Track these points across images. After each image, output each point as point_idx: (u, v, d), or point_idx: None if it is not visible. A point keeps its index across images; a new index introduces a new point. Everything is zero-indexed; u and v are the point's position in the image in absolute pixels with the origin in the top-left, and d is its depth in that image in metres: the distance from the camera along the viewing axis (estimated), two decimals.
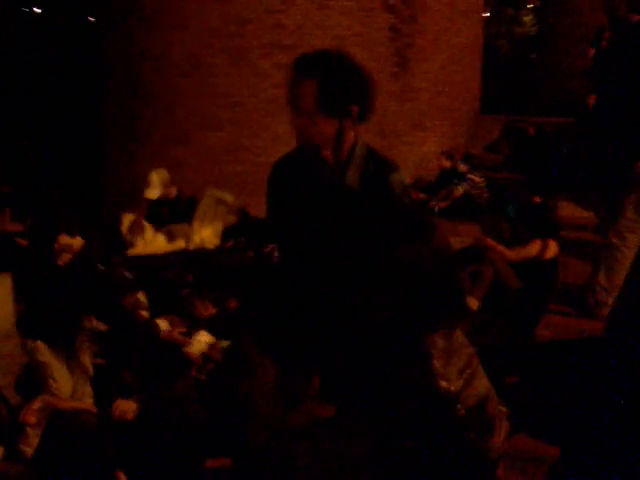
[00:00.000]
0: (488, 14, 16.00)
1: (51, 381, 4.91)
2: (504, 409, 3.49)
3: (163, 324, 5.29)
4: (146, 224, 7.74)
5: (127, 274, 6.41)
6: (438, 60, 11.17)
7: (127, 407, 4.46)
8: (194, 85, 10.19)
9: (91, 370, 5.20)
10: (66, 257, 6.23)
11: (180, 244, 7.47)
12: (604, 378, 4.02)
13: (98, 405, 4.63)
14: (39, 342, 5.06)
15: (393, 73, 10.73)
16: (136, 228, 7.65)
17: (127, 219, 7.96)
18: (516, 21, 18.64)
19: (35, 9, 18.61)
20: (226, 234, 7.54)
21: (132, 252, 7.23)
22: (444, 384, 3.31)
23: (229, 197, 7.44)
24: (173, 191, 8.96)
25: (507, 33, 18.17)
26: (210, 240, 7.37)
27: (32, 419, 4.42)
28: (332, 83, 3.19)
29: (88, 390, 5.11)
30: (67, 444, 4.07)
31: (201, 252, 7.14)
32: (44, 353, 5.03)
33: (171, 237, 7.67)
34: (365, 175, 3.28)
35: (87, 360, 5.16)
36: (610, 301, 5.62)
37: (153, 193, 8.78)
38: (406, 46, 10.90)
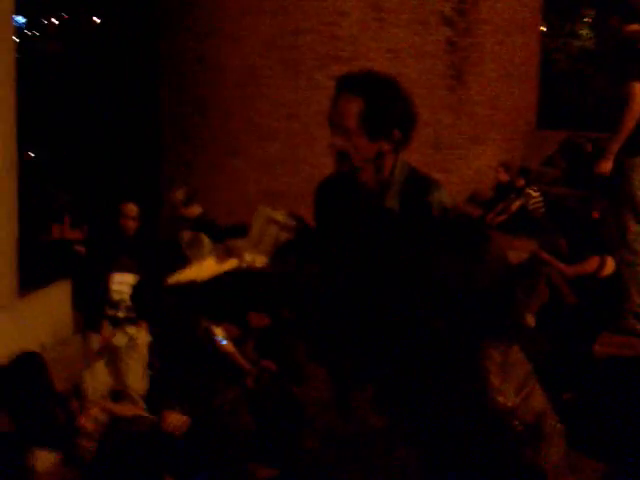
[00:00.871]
0: (545, 28, 15.87)
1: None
2: (560, 426, 3.45)
3: (219, 332, 5.31)
4: (205, 238, 7.79)
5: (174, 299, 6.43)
6: (494, 74, 11.11)
7: (179, 422, 4.49)
8: (249, 96, 10.26)
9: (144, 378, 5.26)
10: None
11: (233, 262, 7.45)
12: None
13: (151, 412, 4.67)
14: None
15: (449, 86, 10.70)
16: (195, 243, 7.68)
17: (187, 235, 8.00)
18: (573, 35, 18.47)
19: (95, 18, 18.91)
20: (278, 253, 7.47)
21: (173, 279, 7.24)
22: (501, 399, 3.29)
23: (281, 216, 7.45)
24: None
25: (564, 47, 18.00)
26: (260, 259, 7.35)
27: (89, 425, 4.47)
28: (379, 104, 3.17)
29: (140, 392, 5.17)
30: (123, 450, 4.11)
31: (249, 272, 7.10)
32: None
33: (228, 253, 7.64)
34: (405, 197, 3.25)
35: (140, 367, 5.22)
36: None
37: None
38: (462, 59, 10.86)
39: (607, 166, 5.62)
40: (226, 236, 7.58)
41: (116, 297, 5.97)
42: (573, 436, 3.54)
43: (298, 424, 4.10)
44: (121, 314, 5.97)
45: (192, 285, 6.24)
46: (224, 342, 5.32)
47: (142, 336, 5.51)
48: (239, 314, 5.80)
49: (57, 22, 19.60)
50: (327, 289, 3.50)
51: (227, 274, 6.42)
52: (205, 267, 7.03)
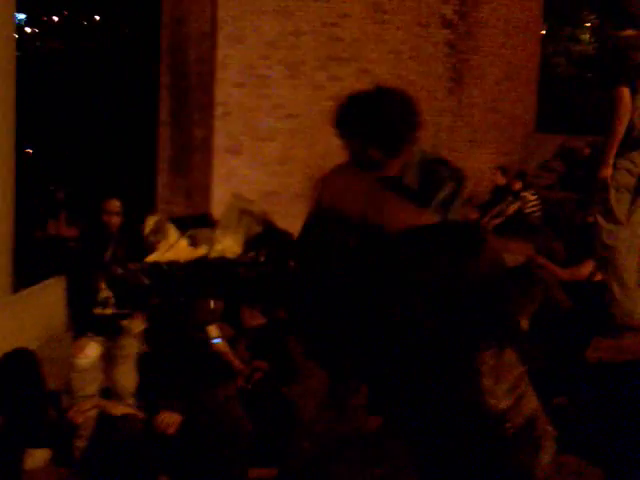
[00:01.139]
0: (545, 32, 15.89)
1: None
2: (552, 430, 3.45)
3: (214, 331, 5.30)
4: (170, 227, 7.76)
5: (145, 280, 6.44)
6: (493, 77, 11.13)
7: (171, 420, 4.48)
8: (249, 96, 10.27)
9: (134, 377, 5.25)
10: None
11: (202, 251, 7.44)
12: None
13: (144, 411, 4.65)
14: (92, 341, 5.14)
15: (448, 88, 10.71)
16: (160, 230, 7.66)
17: (151, 220, 7.97)
18: (574, 39, 18.49)
19: (96, 17, 18.91)
20: (249, 245, 7.46)
21: (151, 258, 7.23)
22: (493, 402, 3.28)
23: (255, 207, 7.44)
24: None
25: (565, 51, 18.02)
26: (231, 249, 7.34)
27: (79, 419, 4.46)
28: (390, 129, 3.19)
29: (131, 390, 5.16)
30: (113, 449, 4.11)
31: (221, 262, 7.09)
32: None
33: (194, 242, 7.65)
34: (422, 175, 3.28)
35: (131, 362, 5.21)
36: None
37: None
38: (462, 62, 10.88)
39: (607, 172, 5.65)
40: (189, 226, 7.59)
41: (103, 295, 5.95)
42: (564, 440, 3.53)
43: (291, 424, 4.10)
44: (109, 312, 5.95)
45: (173, 265, 6.26)
46: (217, 341, 5.30)
47: (136, 326, 5.51)
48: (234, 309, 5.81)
49: (57, 19, 19.59)
50: (323, 288, 3.50)
51: (195, 265, 6.45)
52: (181, 250, 7.04)
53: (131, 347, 5.28)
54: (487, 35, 11.08)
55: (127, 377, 5.45)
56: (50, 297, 6.44)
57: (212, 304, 5.87)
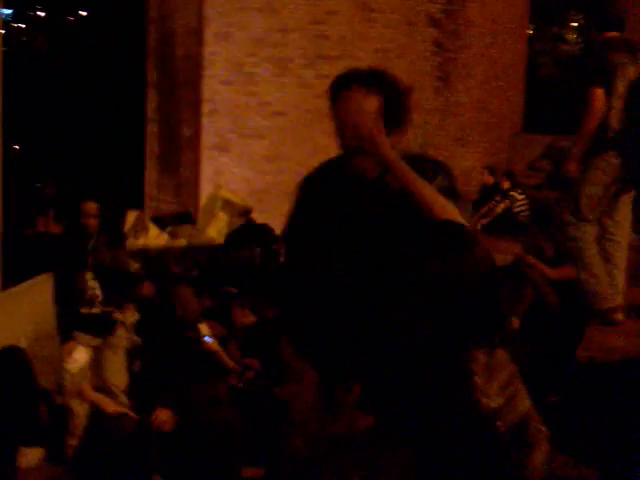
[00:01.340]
0: (531, 32, 15.93)
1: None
2: (544, 429, 3.46)
3: (205, 330, 5.30)
4: (150, 224, 7.75)
5: (134, 265, 6.46)
6: (480, 76, 11.15)
7: (167, 417, 4.48)
8: (236, 93, 10.26)
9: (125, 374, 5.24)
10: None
11: (182, 242, 7.42)
12: None
13: (137, 409, 4.64)
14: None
15: (436, 88, 10.73)
16: (140, 226, 7.65)
17: (131, 216, 7.94)
18: (560, 39, 18.55)
19: (81, 12, 18.85)
20: (230, 236, 7.44)
21: (134, 244, 7.19)
22: (485, 401, 3.28)
23: (238, 199, 7.42)
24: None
25: (551, 51, 18.07)
26: (214, 240, 7.33)
27: (73, 405, 4.50)
28: (396, 99, 3.15)
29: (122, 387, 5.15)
30: (106, 448, 4.10)
31: (206, 247, 7.08)
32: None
33: (174, 238, 7.63)
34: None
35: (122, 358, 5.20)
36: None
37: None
38: (449, 61, 10.90)
39: (572, 167, 5.75)
40: (169, 224, 7.57)
41: (89, 294, 5.95)
42: (556, 439, 3.54)
43: (282, 423, 4.10)
44: (96, 310, 5.93)
45: (145, 251, 6.24)
46: (209, 340, 5.30)
47: (129, 318, 5.50)
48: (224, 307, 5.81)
49: (43, 15, 19.50)
50: (316, 286, 3.49)
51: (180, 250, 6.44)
52: (158, 239, 7.03)
53: (120, 342, 5.28)
54: (474, 34, 11.10)
55: (117, 375, 5.44)
56: (39, 294, 6.40)
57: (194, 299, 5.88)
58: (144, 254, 6.79)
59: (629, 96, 5.51)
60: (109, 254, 6.31)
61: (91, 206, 6.12)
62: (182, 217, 8.57)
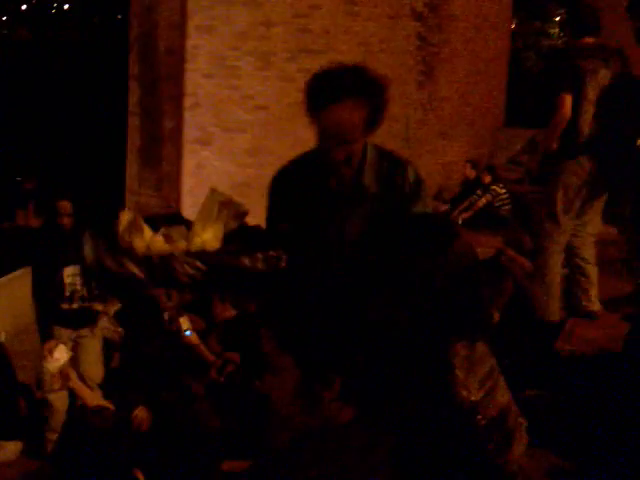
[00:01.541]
0: (514, 26, 15.95)
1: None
2: (524, 421, 3.47)
3: (185, 324, 5.28)
4: (144, 225, 7.71)
5: (137, 272, 6.36)
6: (464, 70, 11.16)
7: (145, 415, 4.48)
8: (219, 87, 10.22)
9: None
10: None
11: (181, 245, 7.34)
12: (623, 392, 3.99)
13: (115, 404, 4.64)
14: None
15: (419, 82, 10.73)
16: (134, 228, 7.60)
17: (125, 218, 7.89)
18: (543, 33, 18.59)
19: (65, 6, 18.75)
20: (227, 239, 7.37)
21: (129, 246, 7.14)
22: (465, 393, 3.29)
23: (235, 202, 7.38)
24: None
25: (534, 46, 18.10)
26: (211, 243, 7.24)
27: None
28: (381, 107, 3.13)
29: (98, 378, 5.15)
30: (85, 442, 4.08)
31: (203, 253, 6.99)
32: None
33: (168, 239, 7.55)
34: (380, 175, 3.26)
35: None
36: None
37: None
38: (432, 55, 10.90)
39: (534, 164, 5.86)
40: (160, 225, 7.51)
41: (69, 290, 5.94)
42: (535, 432, 3.55)
43: (263, 417, 4.10)
44: (75, 305, 5.93)
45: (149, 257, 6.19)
46: (188, 333, 5.29)
47: (111, 309, 5.49)
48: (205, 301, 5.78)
49: (25, 8, 19.37)
50: (296, 281, 3.48)
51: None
52: (157, 246, 6.98)
53: (101, 333, 5.28)
54: (457, 28, 11.11)
55: (93, 368, 5.43)
56: (19, 288, 6.38)
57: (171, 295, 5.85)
58: (147, 260, 6.71)
59: (601, 102, 5.57)
60: (114, 261, 6.23)
61: (64, 205, 6.11)
62: (173, 218, 8.51)
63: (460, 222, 9.43)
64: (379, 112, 3.09)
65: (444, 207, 9.87)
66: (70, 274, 5.97)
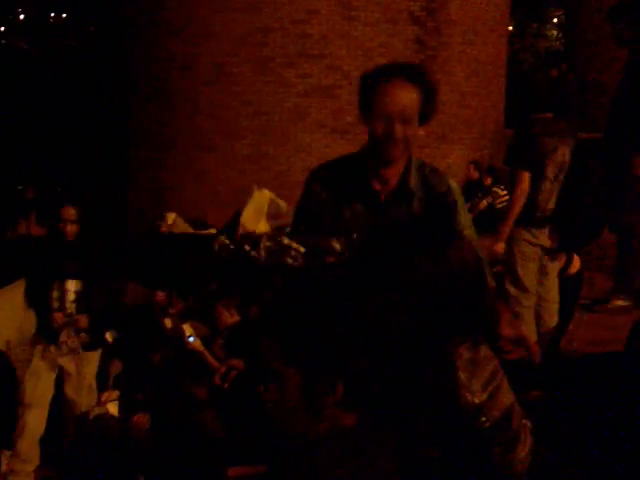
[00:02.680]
0: (511, 28, 15.98)
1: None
2: (528, 423, 3.47)
3: (188, 330, 5.29)
4: (186, 225, 7.72)
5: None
6: (462, 73, 11.17)
7: (144, 421, 4.49)
8: (219, 94, 10.24)
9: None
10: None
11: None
12: (626, 392, 3.99)
13: (122, 411, 4.65)
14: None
15: None
16: (175, 227, 7.60)
17: (170, 217, 7.91)
18: (540, 35, 18.63)
19: (63, 15, 18.76)
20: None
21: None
22: (469, 396, 3.29)
23: (280, 201, 7.37)
24: None
25: (531, 47, 18.15)
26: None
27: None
28: (431, 92, 3.22)
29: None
30: (90, 449, 4.09)
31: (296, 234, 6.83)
32: None
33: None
34: (424, 180, 3.31)
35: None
36: None
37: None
38: (430, 58, 10.90)
39: (500, 247, 6.03)
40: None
41: (56, 305, 5.74)
42: (541, 433, 3.55)
43: (267, 423, 4.09)
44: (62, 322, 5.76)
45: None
46: (192, 340, 5.29)
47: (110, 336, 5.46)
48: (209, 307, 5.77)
49: (23, 17, 19.40)
50: (299, 286, 3.48)
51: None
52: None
53: (90, 363, 5.21)
54: (455, 32, 11.12)
55: (79, 393, 5.37)
56: (21, 298, 6.36)
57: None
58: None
59: (563, 179, 5.68)
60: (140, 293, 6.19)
61: (69, 211, 5.94)
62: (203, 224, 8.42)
63: None
64: (431, 102, 3.17)
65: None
66: (62, 289, 5.74)
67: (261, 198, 7.45)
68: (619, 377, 4.24)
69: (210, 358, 5.29)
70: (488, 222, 9.33)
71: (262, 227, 7.12)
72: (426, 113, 3.18)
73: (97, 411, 4.62)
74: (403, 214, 3.26)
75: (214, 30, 10.18)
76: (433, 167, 3.38)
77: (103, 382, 5.54)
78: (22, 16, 19.28)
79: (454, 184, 3.37)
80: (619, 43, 7.17)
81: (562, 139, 5.74)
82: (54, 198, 9.60)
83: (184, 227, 7.58)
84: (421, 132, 3.23)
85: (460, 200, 3.38)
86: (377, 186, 3.30)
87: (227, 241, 3.43)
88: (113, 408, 4.80)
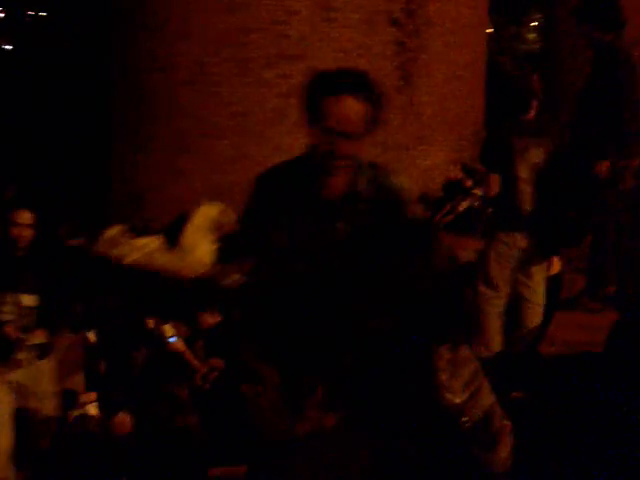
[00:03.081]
0: (491, 30, 16.04)
1: None
2: (508, 423, 3.49)
3: (168, 330, 5.28)
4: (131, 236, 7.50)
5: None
6: (442, 75, 11.19)
7: (127, 421, 4.48)
8: (198, 94, 10.20)
9: None
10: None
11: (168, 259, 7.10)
12: (606, 393, 4.02)
13: (103, 412, 4.63)
14: None
15: (397, 87, 10.75)
16: (118, 242, 7.38)
17: (109, 233, 7.67)
18: (519, 38, 18.71)
19: (41, 13, 18.64)
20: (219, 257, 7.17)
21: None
22: (449, 397, 3.32)
23: (228, 219, 7.21)
24: None
25: (510, 50, 18.21)
26: (203, 260, 7.07)
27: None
28: (379, 107, 3.21)
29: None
30: (71, 449, 4.08)
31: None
32: None
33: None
34: (372, 181, 3.30)
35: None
36: None
37: None
38: (410, 60, 10.92)
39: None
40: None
41: (6, 318, 5.51)
42: (521, 434, 3.58)
43: (248, 423, 4.10)
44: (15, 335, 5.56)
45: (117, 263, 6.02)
46: (173, 340, 5.29)
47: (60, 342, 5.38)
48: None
49: (2, 16, 19.27)
50: (278, 288, 3.48)
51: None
52: (204, 236, 6.79)
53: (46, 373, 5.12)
54: (434, 34, 11.13)
55: (41, 402, 5.29)
56: None
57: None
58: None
59: (537, 180, 5.73)
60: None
61: (24, 215, 5.63)
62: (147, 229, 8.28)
63: (442, 226, 9.45)
64: (378, 111, 3.16)
65: (426, 211, 9.89)
66: (12, 302, 5.49)
67: (206, 214, 7.35)
68: (599, 378, 4.28)
69: (191, 358, 5.29)
70: (467, 224, 9.38)
71: (206, 243, 6.99)
72: (373, 122, 3.18)
73: (77, 413, 4.60)
74: (353, 218, 3.26)
75: (193, 30, 10.15)
76: (383, 166, 3.38)
77: (88, 383, 5.49)
78: (1, 15, 19.17)
79: (401, 181, 3.36)
80: (588, 41, 7.24)
81: (536, 140, 5.76)
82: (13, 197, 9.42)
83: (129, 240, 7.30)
84: (369, 138, 3.23)
85: (411, 198, 3.38)
86: (325, 192, 3.29)
87: None
88: (93, 410, 4.77)
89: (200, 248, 6.87)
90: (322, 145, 3.17)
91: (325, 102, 3.13)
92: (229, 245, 6.60)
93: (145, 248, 6.76)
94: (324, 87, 3.18)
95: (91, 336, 5.57)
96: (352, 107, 3.10)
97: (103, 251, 6.84)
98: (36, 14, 18.71)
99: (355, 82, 3.18)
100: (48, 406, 5.36)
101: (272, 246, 3.34)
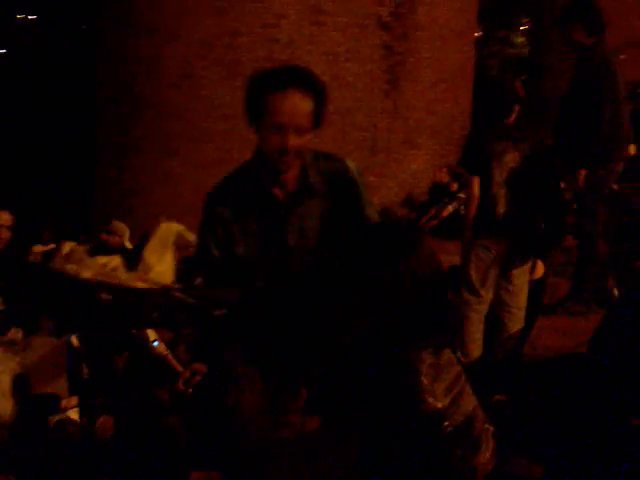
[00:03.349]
0: (480, 33, 16.07)
1: None
2: (491, 427, 3.49)
3: (152, 334, 5.27)
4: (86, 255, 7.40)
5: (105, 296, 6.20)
6: (430, 79, 11.20)
7: (110, 424, 4.47)
8: (186, 97, 10.19)
9: None
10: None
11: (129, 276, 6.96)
12: (588, 396, 4.03)
13: (84, 416, 4.62)
14: None
15: (385, 90, 10.76)
16: (75, 258, 7.24)
17: (67, 247, 7.54)
18: (508, 42, 18.74)
19: (29, 16, 18.60)
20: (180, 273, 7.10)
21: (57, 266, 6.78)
22: (431, 400, 3.31)
23: (189, 234, 7.13)
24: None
25: (498, 54, 18.24)
26: (165, 275, 6.97)
27: None
28: (323, 100, 3.22)
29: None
30: (50, 454, 4.06)
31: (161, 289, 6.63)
32: None
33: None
34: (323, 172, 3.33)
35: None
36: None
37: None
38: (398, 64, 10.93)
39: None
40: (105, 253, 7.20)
41: None
42: (504, 438, 3.58)
43: (231, 427, 4.08)
44: None
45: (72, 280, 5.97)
46: (156, 344, 5.27)
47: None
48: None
49: None
50: (255, 292, 3.48)
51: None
52: (164, 253, 6.75)
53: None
54: (423, 37, 11.15)
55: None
56: None
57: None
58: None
59: (512, 184, 5.75)
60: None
61: (3, 217, 5.65)
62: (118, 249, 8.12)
63: (427, 230, 9.42)
64: (323, 106, 3.18)
65: (412, 215, 9.88)
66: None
67: (167, 230, 7.31)
68: (581, 381, 4.28)
69: (174, 362, 5.28)
70: (452, 228, 9.37)
71: (167, 260, 6.94)
72: (319, 117, 3.20)
73: (57, 417, 4.58)
74: (308, 211, 3.28)
75: (181, 32, 10.13)
76: (326, 153, 3.41)
77: (71, 387, 5.48)
78: None
79: (352, 163, 3.40)
80: (570, 45, 7.27)
81: (514, 144, 5.77)
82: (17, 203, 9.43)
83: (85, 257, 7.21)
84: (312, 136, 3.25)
85: (360, 178, 3.41)
86: (277, 192, 3.31)
87: None
88: (74, 415, 4.76)
89: (161, 264, 6.84)
90: (274, 142, 3.19)
91: (273, 98, 3.16)
92: (190, 266, 6.59)
93: (105, 267, 6.70)
94: (270, 84, 3.20)
95: (74, 340, 5.56)
96: (300, 101, 3.13)
97: (59, 267, 6.78)
98: (25, 17, 18.69)
99: (300, 77, 3.20)
100: (4, 412, 5.33)
101: (233, 261, 3.35)
